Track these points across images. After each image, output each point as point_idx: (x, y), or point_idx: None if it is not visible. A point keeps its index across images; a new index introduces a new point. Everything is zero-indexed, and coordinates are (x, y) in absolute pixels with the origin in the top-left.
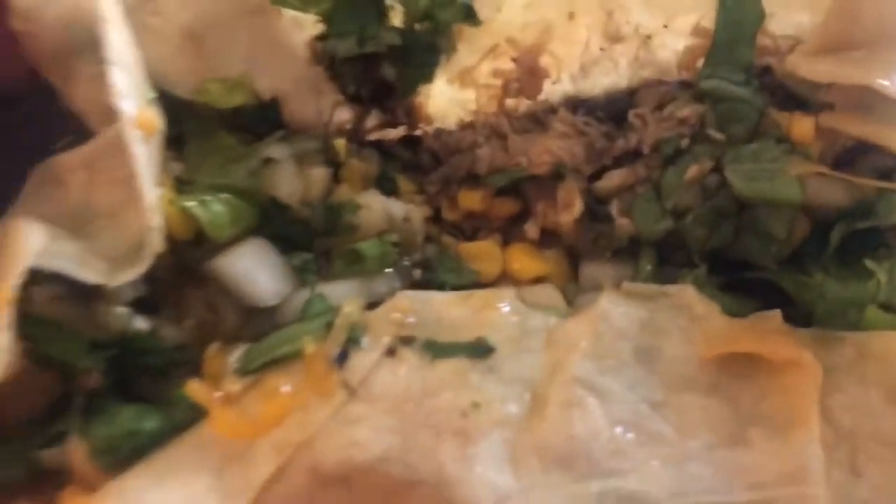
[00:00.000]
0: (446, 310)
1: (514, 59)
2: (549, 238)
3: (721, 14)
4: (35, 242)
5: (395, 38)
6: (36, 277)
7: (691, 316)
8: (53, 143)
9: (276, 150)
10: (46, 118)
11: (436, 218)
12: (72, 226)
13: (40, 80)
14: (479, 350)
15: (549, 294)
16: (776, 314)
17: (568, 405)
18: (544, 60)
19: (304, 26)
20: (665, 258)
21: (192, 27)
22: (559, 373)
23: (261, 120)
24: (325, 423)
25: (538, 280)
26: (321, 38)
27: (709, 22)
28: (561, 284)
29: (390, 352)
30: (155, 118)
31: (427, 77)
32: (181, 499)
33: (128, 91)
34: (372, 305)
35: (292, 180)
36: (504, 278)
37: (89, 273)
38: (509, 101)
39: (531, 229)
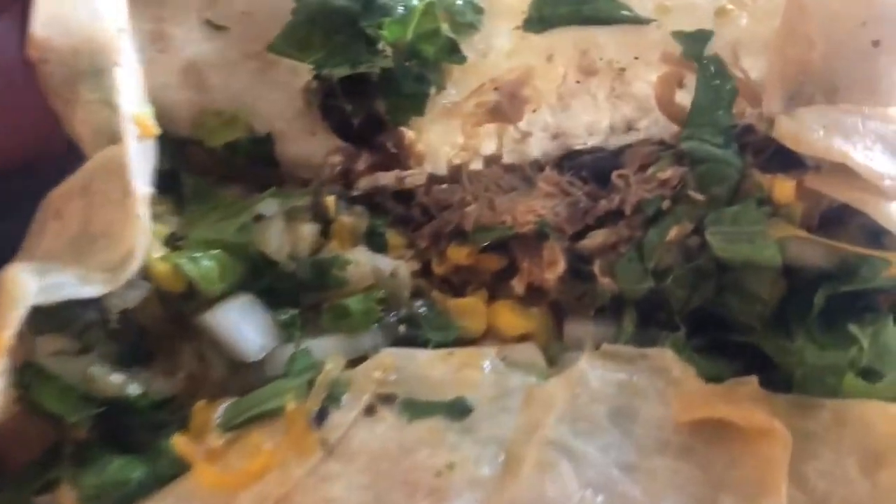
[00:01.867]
0: (428, 368)
1: (496, 88)
2: (535, 294)
3: (700, 79)
4: (30, 285)
5: (388, 62)
6: (41, 327)
7: (668, 379)
8: None
9: (266, 206)
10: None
11: (426, 271)
12: (72, 254)
13: (56, 147)
14: (457, 409)
15: (530, 353)
16: (752, 380)
17: (541, 467)
18: (526, 90)
19: (300, 73)
20: (647, 317)
21: (195, 63)
22: (534, 434)
23: (253, 156)
24: (303, 479)
25: (523, 337)
26: (316, 77)
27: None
28: (545, 341)
29: (369, 410)
30: (151, 122)
31: (417, 109)
32: None
33: (129, 93)
34: (357, 360)
35: (281, 236)
36: (489, 335)
37: (91, 287)
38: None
39: (517, 285)
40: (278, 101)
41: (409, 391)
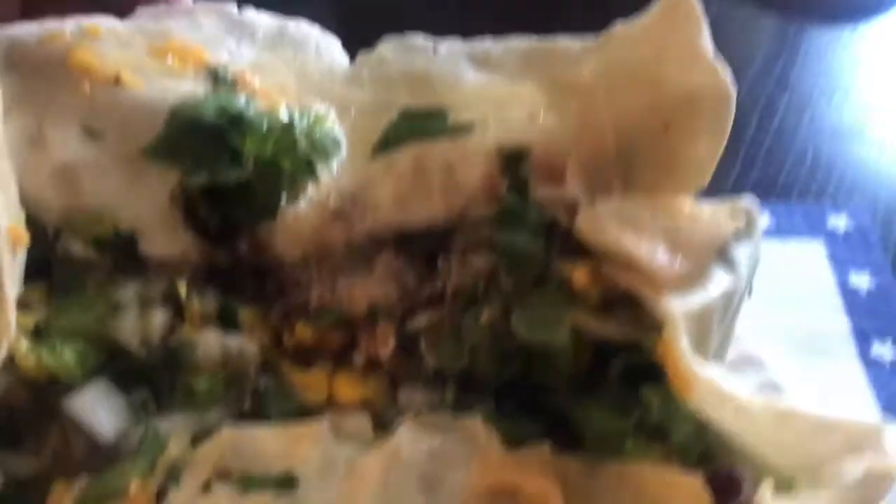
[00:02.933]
0: (264, 444)
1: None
2: (373, 366)
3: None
4: None
5: (244, 174)
6: None
7: (475, 446)
8: None
9: (123, 294)
10: None
11: (278, 343)
12: None
13: None
14: (285, 483)
15: (359, 423)
16: (543, 447)
17: None
18: (366, 195)
19: (169, 179)
20: (465, 386)
21: (70, 166)
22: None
23: (119, 251)
24: None
25: (362, 404)
26: (181, 183)
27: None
28: (382, 407)
29: (206, 487)
30: (23, 232)
31: (270, 215)
32: None
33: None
34: (203, 434)
35: (134, 325)
36: (330, 403)
37: None
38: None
39: (358, 358)
40: (145, 203)
41: (245, 466)
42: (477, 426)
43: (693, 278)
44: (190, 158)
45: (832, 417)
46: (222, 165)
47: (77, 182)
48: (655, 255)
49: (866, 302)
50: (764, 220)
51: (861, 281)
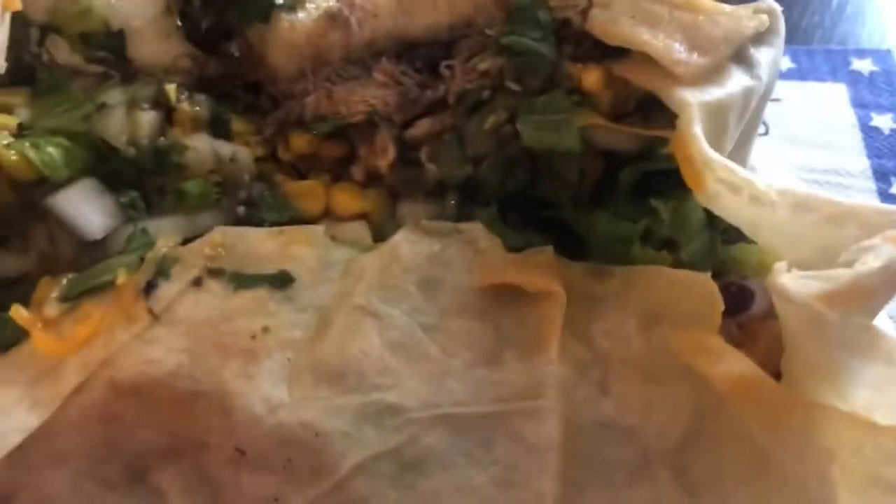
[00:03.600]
0: (257, 244)
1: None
2: (372, 179)
3: None
4: None
5: None
6: None
7: (476, 249)
8: None
9: (110, 95)
10: None
11: (273, 157)
12: None
13: None
14: (280, 280)
15: (357, 230)
16: (548, 249)
17: (347, 328)
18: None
19: None
20: (469, 198)
21: None
22: (346, 300)
23: (107, 49)
24: (128, 343)
25: (360, 217)
26: None
27: None
28: (380, 220)
29: (197, 282)
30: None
31: (263, 16)
32: None
33: None
34: (194, 239)
35: (122, 124)
36: (327, 215)
37: None
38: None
39: (357, 171)
40: (139, 3)
41: (238, 266)
42: (478, 231)
43: (710, 72)
44: None
45: (849, 203)
46: None
47: None
48: (672, 48)
49: (888, 142)
50: (784, 62)
51: (883, 122)
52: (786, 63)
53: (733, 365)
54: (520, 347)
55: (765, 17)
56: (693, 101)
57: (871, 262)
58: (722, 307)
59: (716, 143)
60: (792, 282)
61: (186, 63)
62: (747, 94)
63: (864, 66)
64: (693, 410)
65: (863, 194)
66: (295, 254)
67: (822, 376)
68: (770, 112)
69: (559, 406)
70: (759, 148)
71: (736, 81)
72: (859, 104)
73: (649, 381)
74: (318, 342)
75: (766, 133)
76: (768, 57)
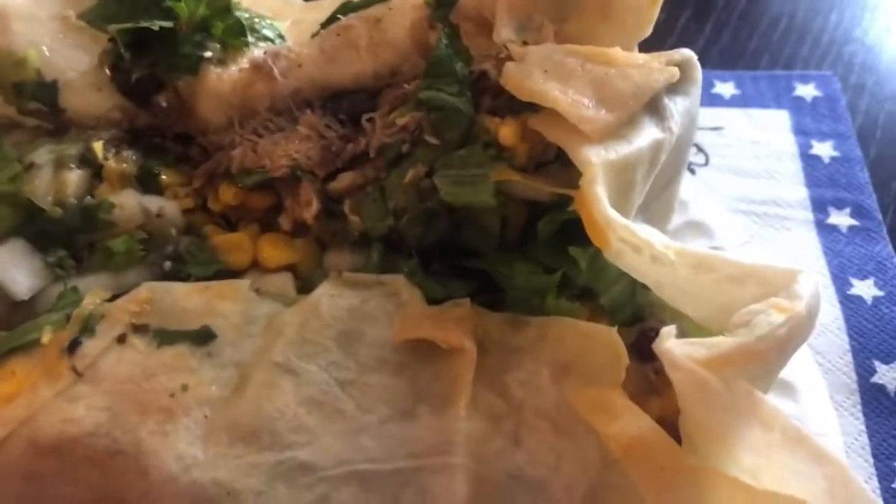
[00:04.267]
0: (183, 300)
1: (265, 52)
2: (300, 229)
3: (441, 38)
4: None
5: (168, 23)
6: None
7: (397, 302)
8: None
9: (39, 154)
10: None
11: (204, 207)
12: None
13: None
14: (202, 336)
15: (282, 283)
16: (465, 302)
17: (264, 386)
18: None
19: (101, 42)
20: (392, 248)
21: (2, 9)
22: (265, 357)
23: (38, 100)
24: (50, 401)
25: (288, 268)
26: (111, 40)
27: None
28: (309, 271)
29: (121, 339)
30: None
31: (192, 69)
32: None
33: None
34: (121, 295)
35: (48, 184)
36: (255, 267)
37: None
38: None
39: (284, 222)
40: (74, 56)
41: (162, 321)
42: (399, 283)
43: (617, 128)
44: (125, 15)
45: (748, 264)
46: (153, 18)
47: (7, 25)
48: (580, 105)
49: (827, 171)
50: (728, 88)
51: (824, 150)
52: (730, 90)
53: (629, 424)
54: (434, 402)
55: (675, 70)
56: (596, 160)
57: (756, 329)
58: (626, 361)
59: (621, 200)
60: (678, 347)
61: (117, 114)
62: (656, 147)
63: (807, 91)
64: (599, 463)
65: (801, 225)
66: (219, 309)
67: (712, 438)
68: (711, 141)
69: (467, 462)
70: (699, 178)
71: (645, 135)
72: (801, 131)
73: (560, 433)
74: (235, 400)
75: (706, 164)
76: (682, 107)
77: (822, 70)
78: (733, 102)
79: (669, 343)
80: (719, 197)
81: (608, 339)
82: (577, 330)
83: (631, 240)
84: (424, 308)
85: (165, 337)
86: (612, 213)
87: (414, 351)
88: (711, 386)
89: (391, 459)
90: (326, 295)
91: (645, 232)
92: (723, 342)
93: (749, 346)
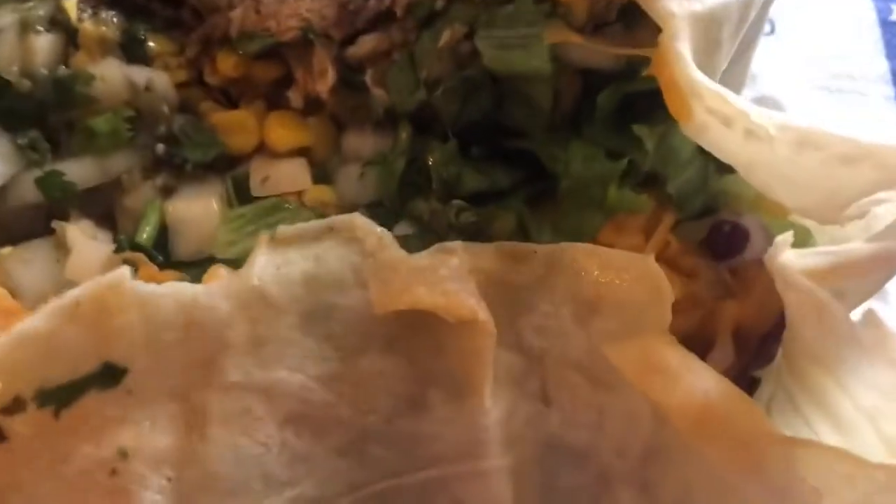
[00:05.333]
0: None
1: None
2: (313, 106)
3: None
4: None
5: None
6: None
7: (362, 250)
8: None
9: (1, 18)
10: None
11: (199, 82)
12: None
13: None
14: (108, 376)
15: (295, 172)
16: (456, 246)
17: (229, 419)
18: None
19: None
20: (424, 128)
21: None
22: (215, 379)
23: None
24: None
25: (300, 152)
26: None
27: None
28: (323, 155)
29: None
30: None
31: None
32: None
33: None
34: (110, 185)
35: (13, 51)
36: (261, 149)
37: None
38: None
39: (294, 97)
40: None
41: (40, 377)
42: (356, 224)
43: None
44: None
45: (864, 142)
46: None
47: None
48: None
49: None
50: None
51: None
52: None
53: (693, 387)
54: (446, 386)
55: None
56: (679, 11)
57: (881, 224)
58: (670, 297)
59: (706, 63)
60: (796, 260)
61: None
62: (746, 2)
63: None
64: (651, 417)
65: (882, 102)
66: (111, 329)
67: (823, 368)
68: (776, 6)
69: (504, 461)
70: (763, 50)
71: None
72: None
73: (597, 385)
74: (198, 445)
75: (772, 32)
76: None
77: None
78: None
79: (787, 255)
80: (791, 69)
81: (643, 270)
82: (600, 258)
83: (721, 109)
84: (403, 258)
85: (58, 397)
86: (700, 76)
87: (402, 318)
88: (833, 312)
89: (412, 469)
90: (269, 268)
91: (739, 100)
92: (854, 249)
93: (883, 252)
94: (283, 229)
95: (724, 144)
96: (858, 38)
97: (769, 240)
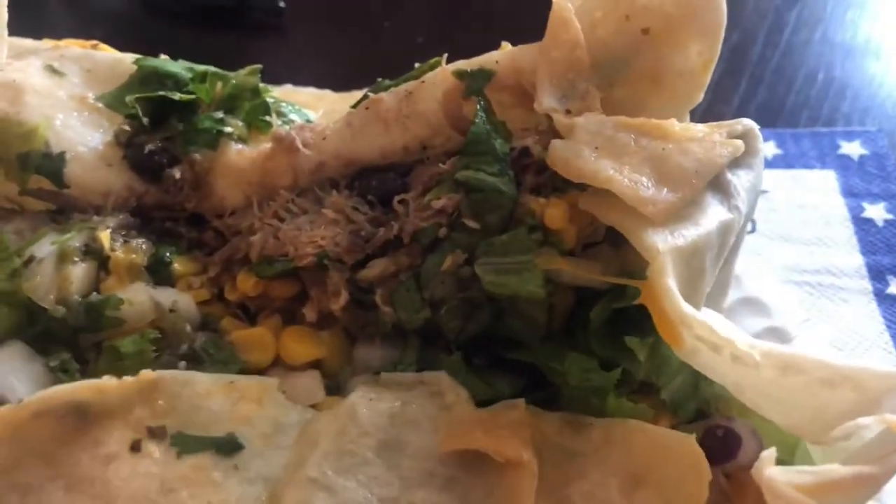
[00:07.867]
0: (205, 398)
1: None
2: (327, 320)
3: (479, 113)
4: None
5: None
6: None
7: (441, 404)
8: None
9: (40, 247)
10: None
11: (220, 297)
12: None
13: None
14: (228, 446)
15: (309, 385)
16: (519, 403)
17: None
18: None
19: (116, 121)
20: (430, 341)
21: (18, 84)
22: (299, 471)
23: (42, 172)
24: None
25: (314, 364)
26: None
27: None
28: (336, 366)
29: (135, 447)
30: None
31: (211, 143)
32: None
33: None
34: None
35: (50, 281)
36: (277, 363)
37: None
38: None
39: (309, 312)
40: (86, 132)
41: (182, 424)
42: (442, 382)
43: (681, 210)
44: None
45: (841, 366)
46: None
47: (21, 97)
48: (639, 185)
49: (882, 235)
50: (769, 148)
51: (876, 212)
52: (771, 149)
53: None
54: None
55: (740, 143)
56: (664, 248)
57: (866, 448)
58: (709, 476)
59: (691, 291)
60: (781, 475)
61: (125, 193)
62: (725, 229)
63: (852, 149)
64: None
65: (859, 295)
66: (245, 413)
67: None
68: (757, 205)
69: None
70: (747, 246)
71: (712, 216)
72: (850, 193)
73: None
74: None
75: (753, 231)
76: (747, 182)
77: (866, 126)
78: (776, 163)
79: (771, 470)
80: (771, 268)
81: (687, 449)
82: (649, 436)
83: (710, 338)
84: (473, 411)
85: (186, 444)
86: (687, 309)
87: (463, 461)
88: None
89: None
90: (364, 398)
91: (726, 329)
92: (834, 470)
93: (865, 474)
94: (386, 375)
95: (714, 367)
96: (833, 235)
97: (761, 444)
